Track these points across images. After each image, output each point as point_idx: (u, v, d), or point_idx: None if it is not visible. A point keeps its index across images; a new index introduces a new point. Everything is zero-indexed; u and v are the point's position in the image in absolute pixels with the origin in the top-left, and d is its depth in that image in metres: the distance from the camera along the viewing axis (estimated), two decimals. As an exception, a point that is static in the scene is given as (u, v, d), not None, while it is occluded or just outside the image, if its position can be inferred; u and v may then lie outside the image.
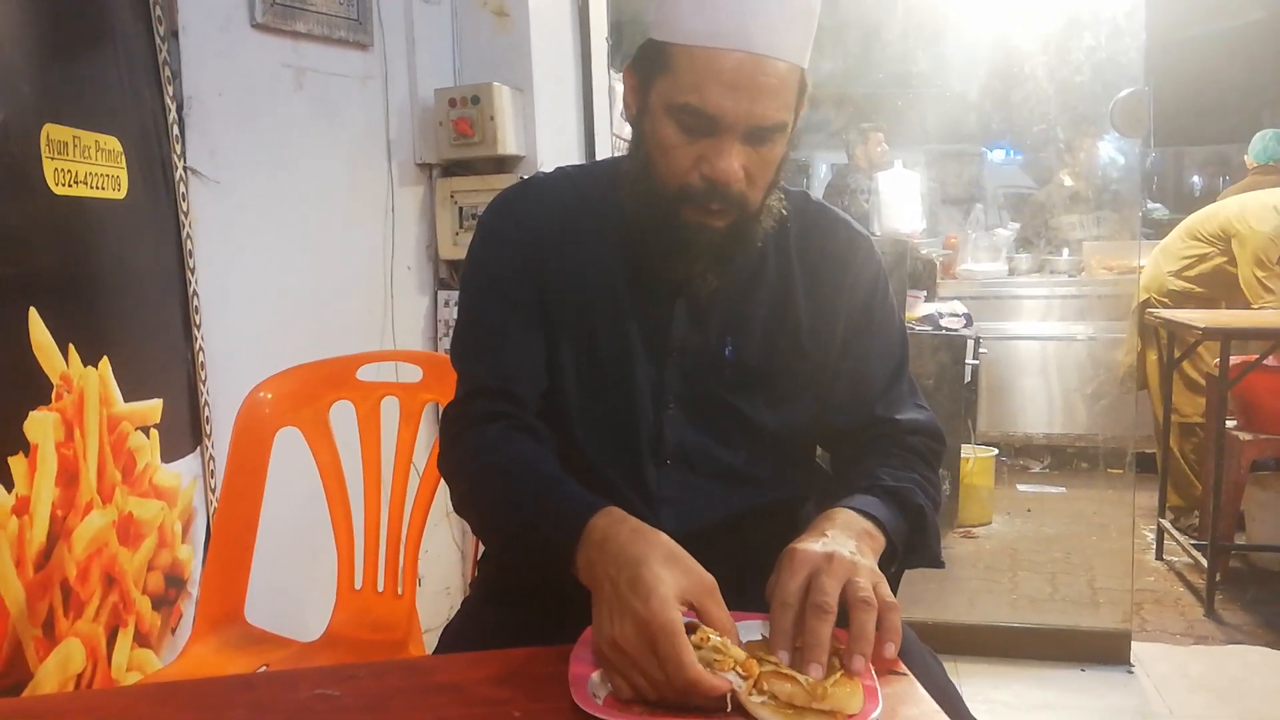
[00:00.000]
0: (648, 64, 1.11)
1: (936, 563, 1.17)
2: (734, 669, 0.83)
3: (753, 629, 0.95)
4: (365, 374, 1.80)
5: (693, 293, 1.17)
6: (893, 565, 1.07)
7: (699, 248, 1.12)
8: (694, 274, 1.13)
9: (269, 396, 1.72)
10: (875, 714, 0.81)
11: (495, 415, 1.14)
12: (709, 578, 0.90)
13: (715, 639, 0.86)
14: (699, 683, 0.81)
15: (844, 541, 0.98)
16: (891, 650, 0.91)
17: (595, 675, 0.88)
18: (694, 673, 0.81)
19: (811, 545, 0.96)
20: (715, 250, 1.12)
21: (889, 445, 1.19)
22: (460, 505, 1.15)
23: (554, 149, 2.67)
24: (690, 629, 0.86)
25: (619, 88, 2.06)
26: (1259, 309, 3.63)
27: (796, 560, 0.94)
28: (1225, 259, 3.78)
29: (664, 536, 0.93)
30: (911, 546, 1.10)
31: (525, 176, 2.39)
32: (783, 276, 1.22)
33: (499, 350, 1.17)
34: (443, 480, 1.19)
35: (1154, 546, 3.78)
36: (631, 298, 1.18)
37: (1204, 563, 3.29)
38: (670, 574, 0.88)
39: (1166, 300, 3.91)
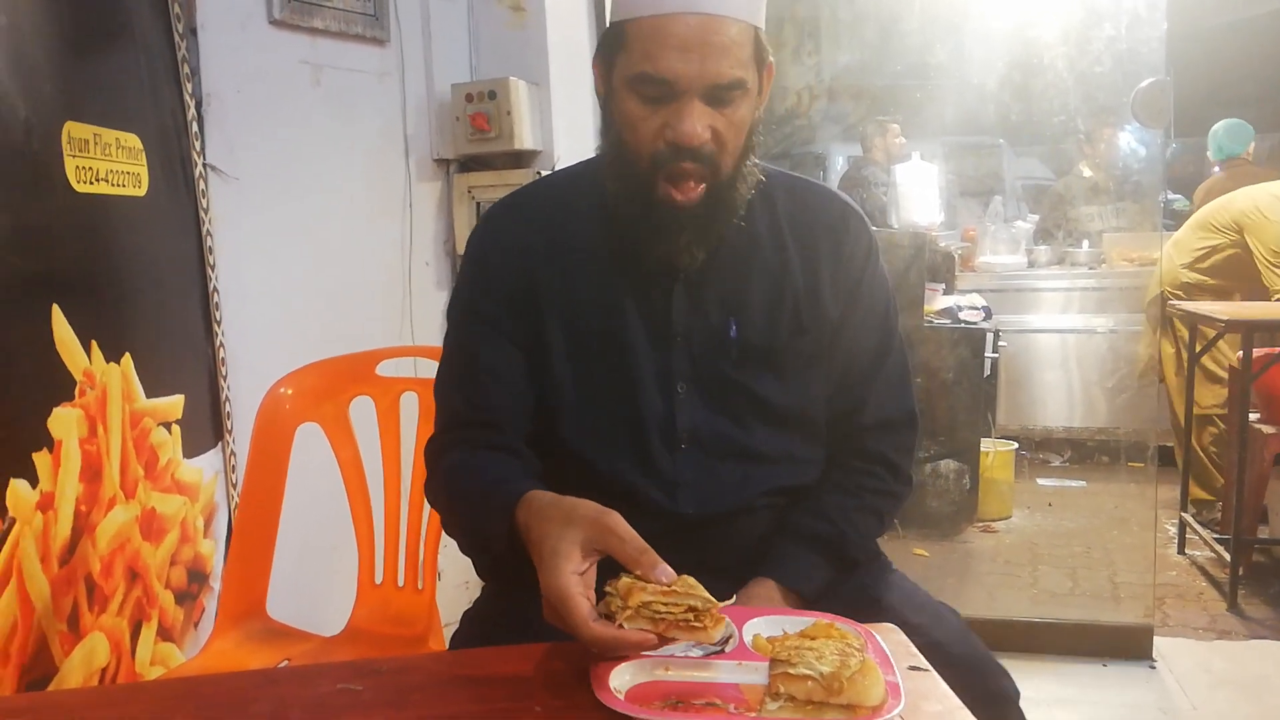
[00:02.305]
0: (609, 47, 1.13)
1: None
2: (620, 608, 0.85)
3: (774, 624, 0.95)
4: (385, 369, 1.81)
5: (685, 271, 1.17)
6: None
7: (679, 225, 1.13)
8: (678, 250, 1.14)
9: (289, 392, 1.73)
10: (898, 710, 0.81)
11: (470, 441, 1.16)
12: (608, 516, 0.91)
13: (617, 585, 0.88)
14: (598, 639, 0.84)
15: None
16: None
17: (617, 670, 0.88)
18: (587, 632, 0.85)
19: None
20: (695, 224, 1.13)
21: (848, 455, 1.25)
22: (446, 530, 1.19)
23: (571, 143, 2.66)
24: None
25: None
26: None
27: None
28: (1238, 249, 3.77)
29: (566, 500, 0.95)
30: (836, 583, 1.18)
31: (541, 172, 2.39)
32: (779, 253, 1.22)
33: (478, 381, 1.19)
34: None
35: (1176, 541, 3.74)
36: (629, 287, 1.19)
37: (1227, 557, 3.26)
38: (567, 536, 0.90)
39: (1180, 293, 3.90)
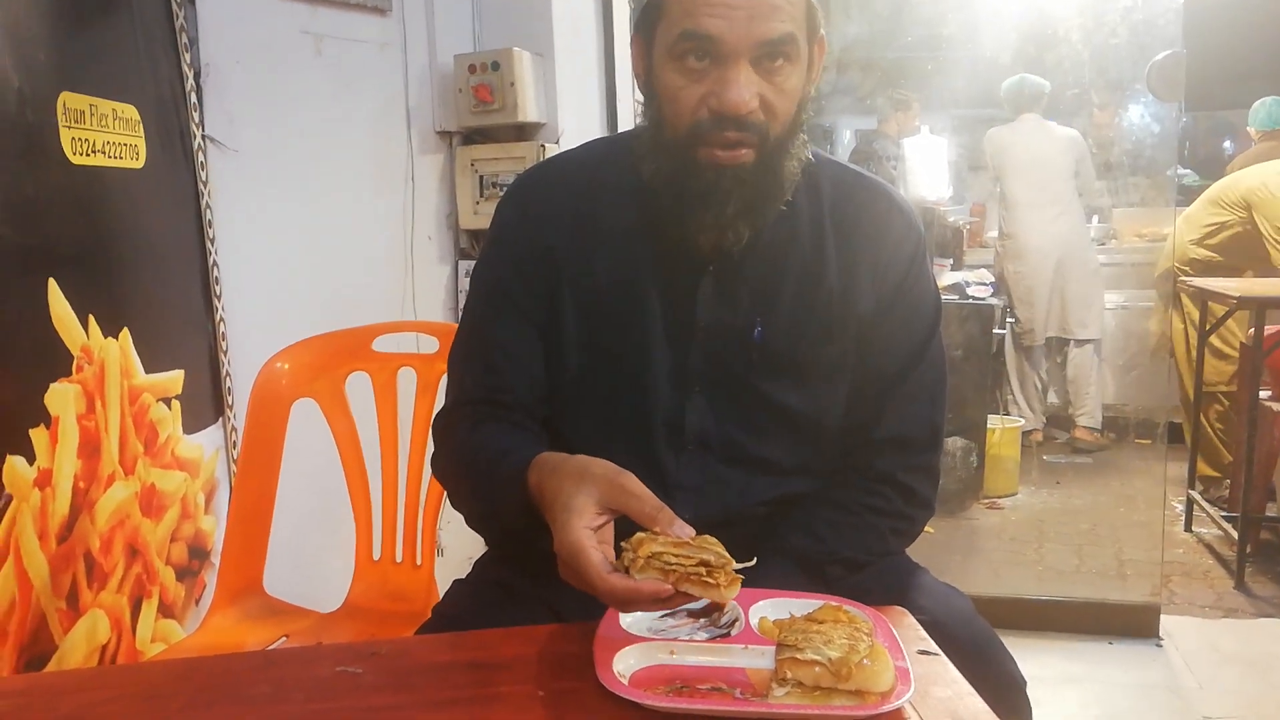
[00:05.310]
0: (647, 20, 1.08)
1: None
2: (632, 560, 0.84)
3: (780, 606, 0.94)
4: (385, 344, 1.79)
5: (718, 260, 1.12)
6: None
7: (725, 191, 1.04)
8: (724, 223, 1.06)
9: (285, 367, 1.71)
10: (908, 696, 0.79)
11: (477, 417, 1.14)
12: (621, 475, 0.90)
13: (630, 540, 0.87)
14: (613, 590, 0.83)
15: None
16: None
17: (621, 654, 0.86)
18: (602, 584, 0.84)
19: None
20: (743, 192, 1.05)
21: (854, 471, 1.16)
22: (453, 504, 1.17)
23: (575, 116, 2.62)
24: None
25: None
26: None
27: None
28: (1246, 227, 3.74)
29: (578, 458, 0.94)
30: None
31: (545, 144, 2.32)
32: (817, 250, 1.15)
33: (491, 362, 1.16)
34: None
35: (1183, 518, 3.73)
36: (654, 274, 1.13)
37: (1234, 535, 3.25)
38: (581, 492, 0.89)
39: (1188, 269, 3.87)
